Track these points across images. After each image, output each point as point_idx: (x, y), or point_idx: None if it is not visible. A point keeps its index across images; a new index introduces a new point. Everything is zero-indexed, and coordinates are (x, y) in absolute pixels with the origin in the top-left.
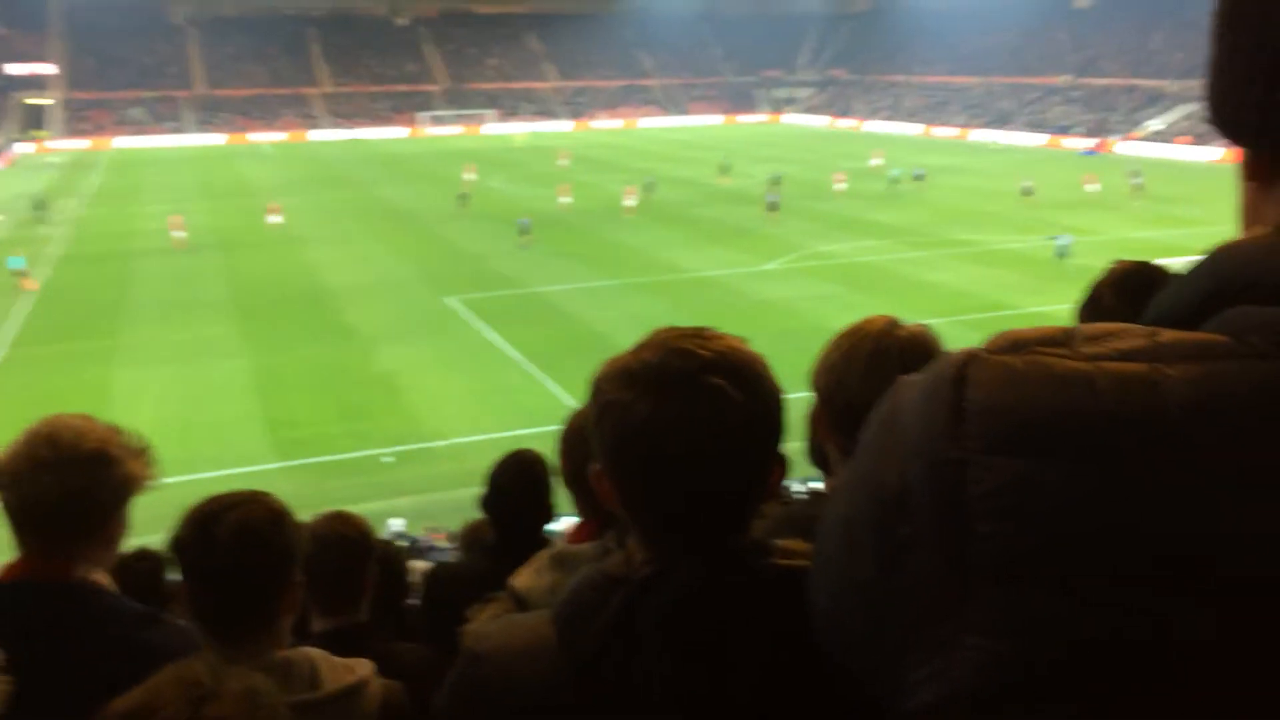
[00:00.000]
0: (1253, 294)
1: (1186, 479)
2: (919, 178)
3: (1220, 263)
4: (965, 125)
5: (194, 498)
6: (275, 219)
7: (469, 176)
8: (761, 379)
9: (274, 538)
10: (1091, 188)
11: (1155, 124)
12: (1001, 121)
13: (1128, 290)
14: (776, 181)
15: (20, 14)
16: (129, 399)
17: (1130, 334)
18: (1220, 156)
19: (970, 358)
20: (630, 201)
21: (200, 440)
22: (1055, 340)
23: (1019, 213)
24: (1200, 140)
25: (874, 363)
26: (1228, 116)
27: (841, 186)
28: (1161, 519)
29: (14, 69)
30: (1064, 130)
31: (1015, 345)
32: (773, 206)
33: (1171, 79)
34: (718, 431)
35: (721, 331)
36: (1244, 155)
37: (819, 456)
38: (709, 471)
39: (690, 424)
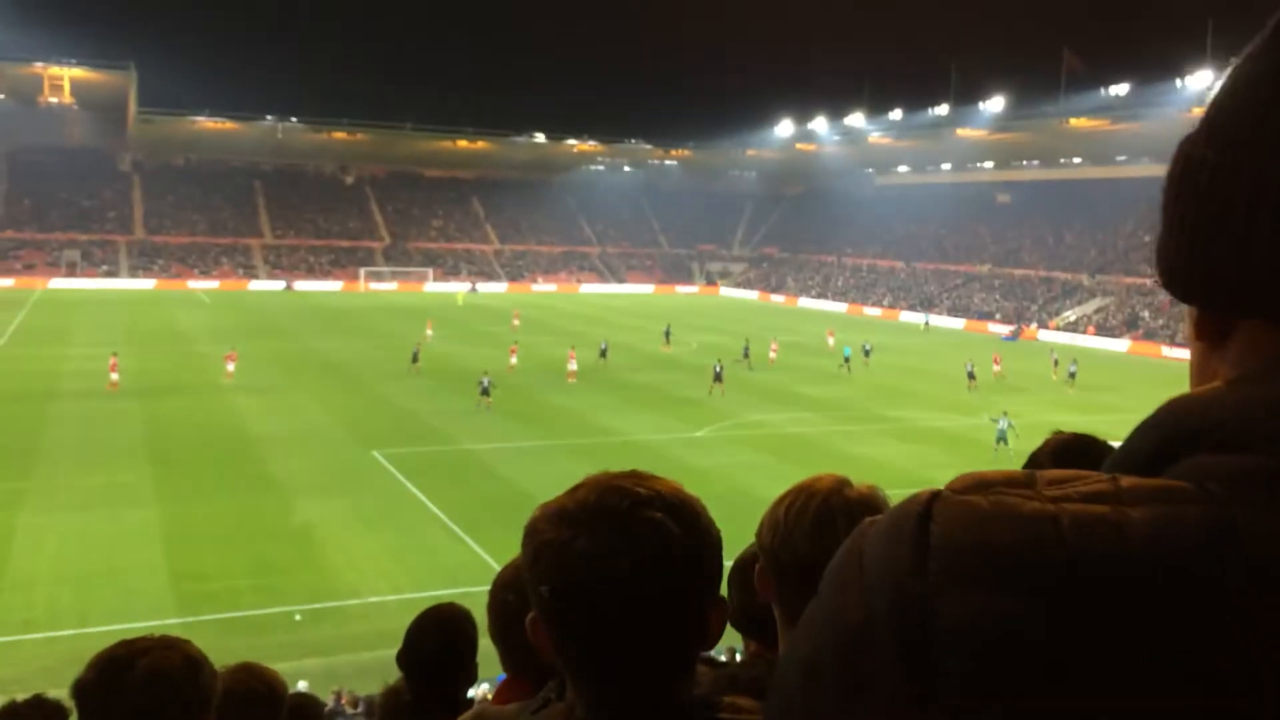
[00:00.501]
0: (1204, 443)
1: (1148, 618)
2: (868, 352)
3: (1171, 414)
4: (892, 306)
5: (87, 651)
6: (231, 366)
7: (429, 333)
8: (699, 516)
9: (187, 687)
10: (996, 369)
11: (1070, 314)
12: (926, 305)
13: (1066, 460)
14: (745, 353)
15: None
16: (29, 545)
17: (1092, 479)
18: (1128, 348)
19: (935, 496)
20: (572, 365)
21: (100, 590)
22: (1019, 482)
23: (946, 393)
24: (1109, 333)
25: (821, 521)
26: (1175, 278)
27: (774, 356)
28: (1123, 657)
29: None
30: (986, 316)
31: (980, 485)
32: (718, 377)
33: (1085, 273)
34: (658, 565)
35: (657, 475)
36: (1191, 316)
37: (744, 620)
38: (650, 609)
39: (630, 557)
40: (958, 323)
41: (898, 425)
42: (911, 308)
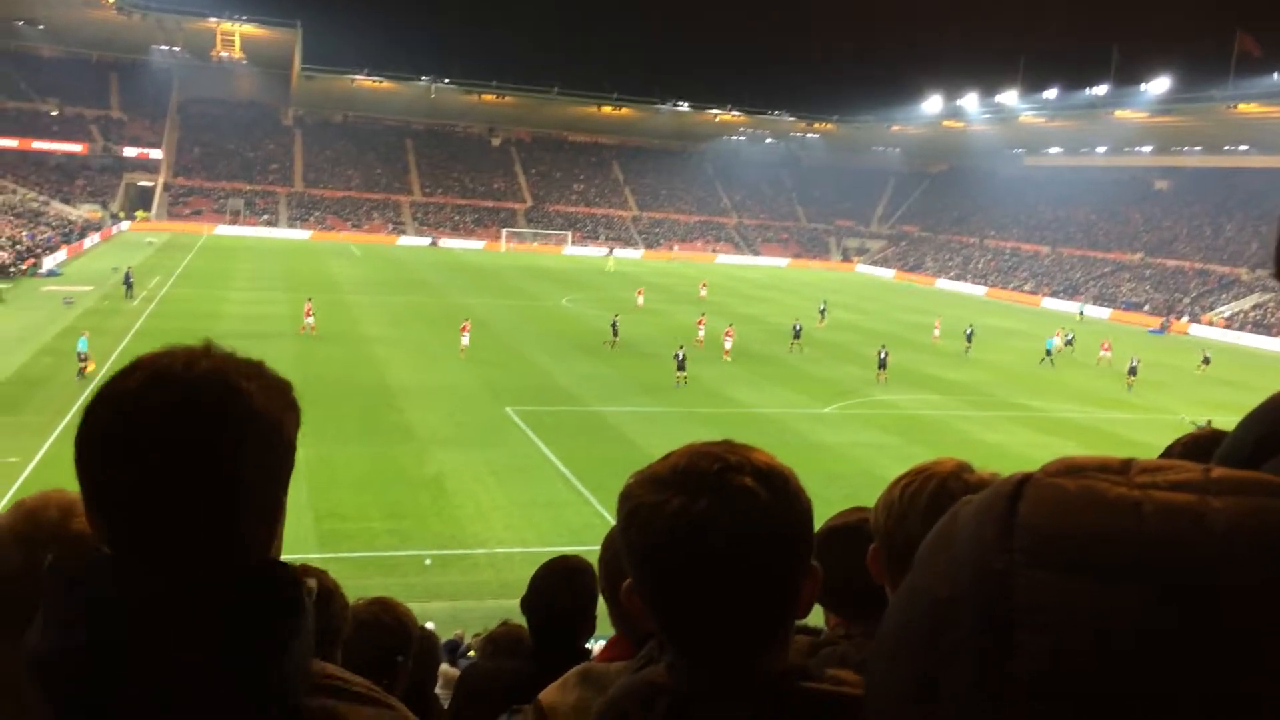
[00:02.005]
0: None
1: (1222, 610)
2: (1070, 342)
3: (1273, 406)
4: (1034, 291)
5: None
6: (310, 320)
7: (639, 300)
8: (789, 484)
9: (319, 614)
10: (1104, 354)
11: (1225, 309)
12: (1070, 292)
13: (1198, 451)
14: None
15: (142, 101)
16: None
17: (1185, 468)
18: None
19: (1026, 478)
20: (728, 343)
21: None
22: (1112, 468)
23: (1088, 384)
24: (1266, 330)
25: (936, 504)
26: None
27: (937, 335)
28: (1193, 644)
29: (128, 151)
30: (1133, 307)
31: (1071, 470)
32: (883, 364)
33: (1245, 266)
34: (747, 529)
35: (751, 445)
36: None
37: (824, 593)
38: (740, 572)
39: (719, 521)
40: (1103, 312)
41: (1033, 414)
42: (1055, 294)
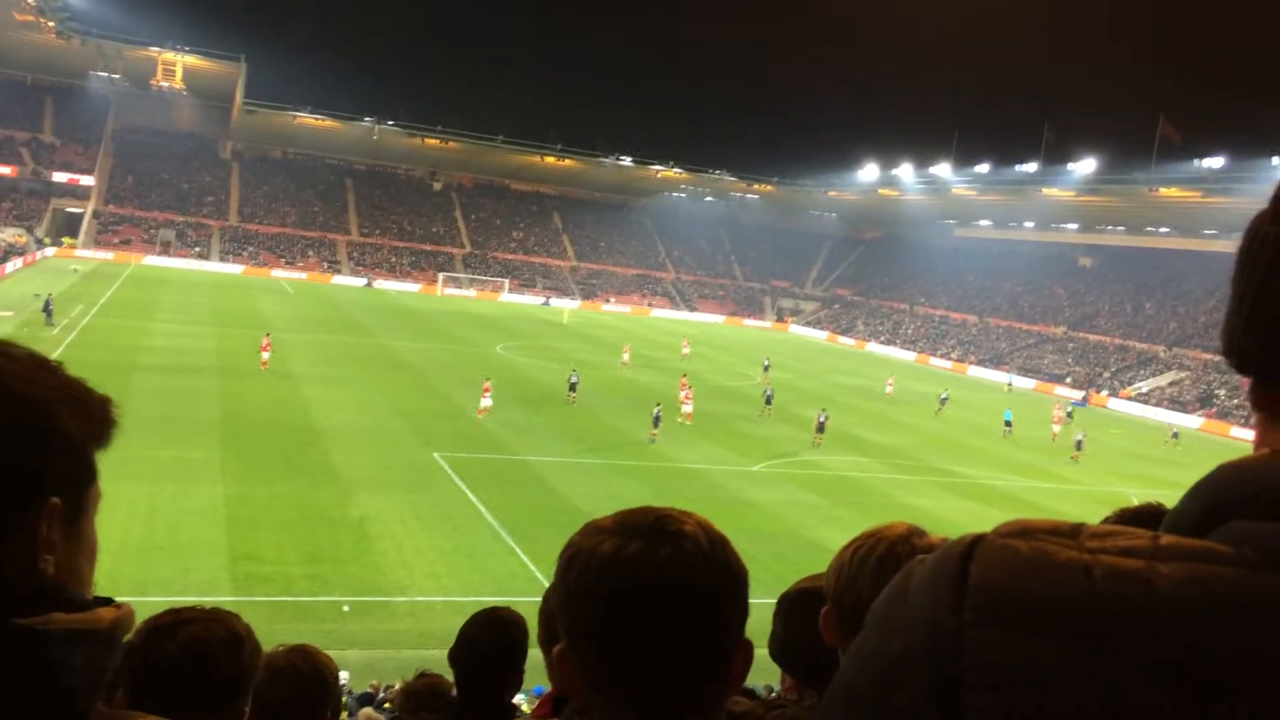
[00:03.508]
0: (1250, 508)
1: (1167, 671)
2: (944, 401)
3: (1220, 478)
4: (961, 360)
5: (141, 617)
6: (265, 355)
7: (625, 358)
8: (728, 545)
9: (226, 662)
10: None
11: (1143, 385)
12: (995, 361)
13: (1139, 523)
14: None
15: (76, 126)
16: (100, 511)
17: (1134, 535)
18: (1200, 425)
19: (979, 539)
20: (687, 407)
21: (160, 561)
22: (1063, 532)
23: (1010, 451)
24: (1181, 407)
25: (884, 567)
26: (1235, 349)
27: (890, 391)
28: (1139, 706)
29: (58, 176)
30: (1056, 379)
31: (1023, 532)
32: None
33: (1163, 344)
34: (681, 577)
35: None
36: (1251, 387)
37: (783, 654)
38: (670, 627)
39: (652, 560)
40: (1028, 383)
41: (959, 480)
42: (981, 362)
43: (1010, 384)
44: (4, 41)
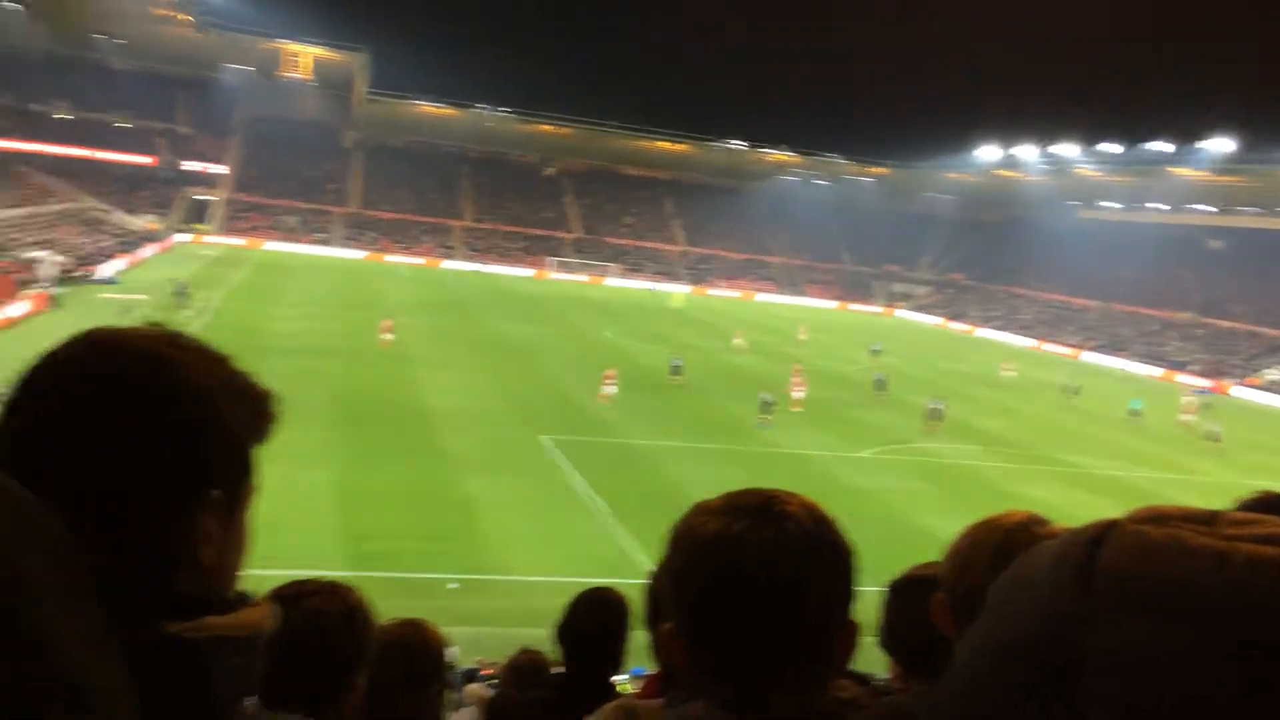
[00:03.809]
0: None
1: None
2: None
3: None
4: (1078, 346)
5: (265, 587)
6: (388, 336)
7: (739, 342)
8: (834, 525)
9: (344, 633)
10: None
11: (1273, 372)
12: (1116, 348)
13: (1256, 511)
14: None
15: (208, 117)
16: None
17: (1274, 523)
18: None
19: (1111, 524)
20: (798, 393)
21: (281, 536)
22: (1199, 518)
23: (1129, 441)
24: None
25: (1001, 555)
26: None
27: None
28: (1270, 700)
29: (190, 165)
30: (1180, 366)
31: (1157, 518)
32: (880, 386)
33: None
34: (783, 555)
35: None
36: None
37: (891, 642)
38: (774, 606)
39: (756, 539)
40: (1151, 370)
41: (1072, 469)
42: (1100, 349)
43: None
44: (142, 35)
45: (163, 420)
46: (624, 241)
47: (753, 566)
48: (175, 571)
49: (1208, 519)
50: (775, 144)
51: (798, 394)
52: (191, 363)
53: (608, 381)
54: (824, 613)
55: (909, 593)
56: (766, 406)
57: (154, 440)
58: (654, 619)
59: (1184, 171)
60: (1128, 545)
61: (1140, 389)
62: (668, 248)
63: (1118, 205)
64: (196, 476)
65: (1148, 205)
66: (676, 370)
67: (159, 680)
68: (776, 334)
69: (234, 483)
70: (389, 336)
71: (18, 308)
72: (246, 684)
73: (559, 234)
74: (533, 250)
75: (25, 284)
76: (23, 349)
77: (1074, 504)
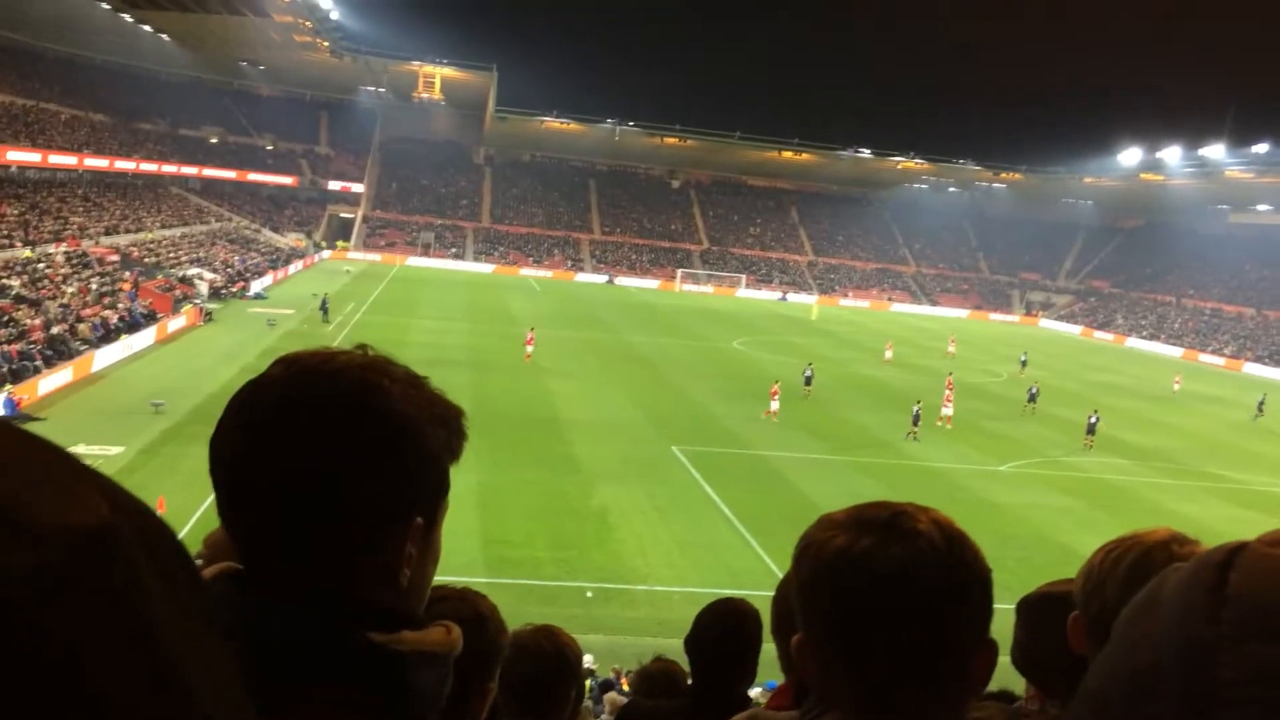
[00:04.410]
0: None
1: None
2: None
3: None
4: (1235, 356)
5: None
6: (530, 348)
7: (888, 354)
8: (966, 541)
9: (473, 639)
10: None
11: None
12: (1276, 357)
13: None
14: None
15: (347, 138)
16: None
17: None
18: None
19: (1241, 546)
20: (947, 409)
21: None
22: None
23: None
24: None
25: (1136, 573)
26: None
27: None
28: None
29: (332, 184)
30: None
31: None
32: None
33: None
34: (910, 572)
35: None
36: None
37: (1024, 662)
38: (902, 621)
39: (883, 556)
40: None
41: (1232, 485)
42: (1259, 359)
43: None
44: (285, 61)
45: (373, 449)
46: (751, 252)
47: (878, 582)
48: (380, 588)
49: None
50: (903, 151)
51: (947, 410)
52: (399, 392)
53: (773, 397)
54: (959, 630)
55: (1039, 611)
56: (916, 419)
57: (364, 468)
58: (781, 630)
59: None
60: (1259, 569)
61: None
62: (795, 257)
63: (1272, 209)
64: (403, 502)
65: None
66: (808, 380)
67: (365, 688)
68: (910, 345)
69: (433, 505)
70: (530, 349)
71: (176, 322)
72: (439, 700)
73: (686, 245)
74: (661, 262)
75: (182, 300)
76: (182, 361)
77: (1233, 521)
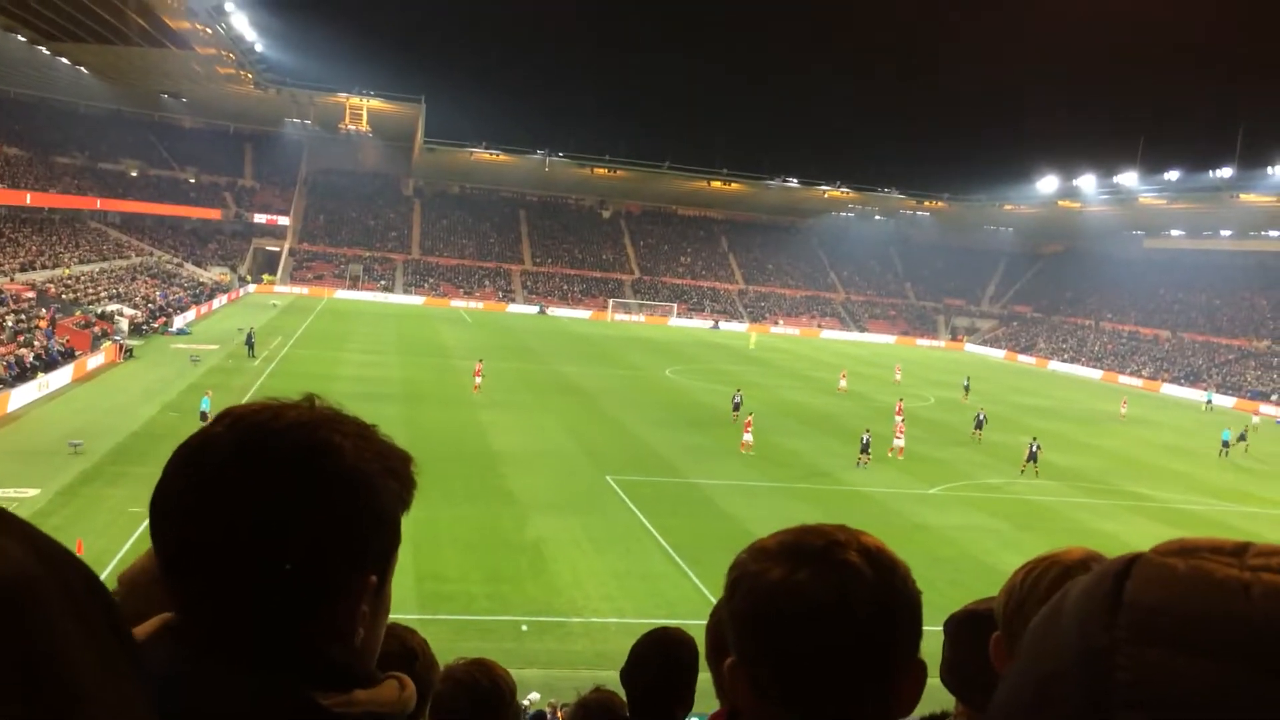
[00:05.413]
0: None
1: None
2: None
3: None
4: (1152, 377)
5: None
6: (478, 380)
7: (842, 384)
8: (897, 568)
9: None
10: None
11: None
12: (1192, 378)
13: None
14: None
15: (273, 170)
16: None
17: None
18: None
19: (1136, 557)
20: (899, 441)
21: None
22: (1226, 550)
23: (1204, 473)
24: None
25: (1055, 591)
26: None
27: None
28: None
29: (258, 217)
30: (1259, 396)
31: (1182, 550)
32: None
33: None
34: (847, 603)
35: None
36: None
37: (952, 679)
38: (836, 652)
39: (818, 588)
40: (1227, 401)
41: (1151, 504)
42: (1175, 380)
43: (1209, 402)
44: (208, 93)
45: (325, 508)
46: (682, 281)
47: (815, 614)
48: (332, 646)
49: (1237, 550)
50: (829, 180)
51: (899, 441)
52: (350, 448)
53: (746, 430)
54: (889, 655)
55: (964, 629)
56: (866, 447)
57: (316, 528)
58: (715, 655)
59: (1251, 197)
60: (1153, 578)
61: (1227, 420)
62: (725, 286)
63: (1184, 233)
64: (356, 561)
65: (1217, 233)
66: (736, 407)
67: None
68: (851, 374)
69: (386, 560)
70: (479, 380)
71: (95, 360)
72: None
73: (618, 275)
74: (592, 292)
75: (101, 337)
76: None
77: (1153, 538)
